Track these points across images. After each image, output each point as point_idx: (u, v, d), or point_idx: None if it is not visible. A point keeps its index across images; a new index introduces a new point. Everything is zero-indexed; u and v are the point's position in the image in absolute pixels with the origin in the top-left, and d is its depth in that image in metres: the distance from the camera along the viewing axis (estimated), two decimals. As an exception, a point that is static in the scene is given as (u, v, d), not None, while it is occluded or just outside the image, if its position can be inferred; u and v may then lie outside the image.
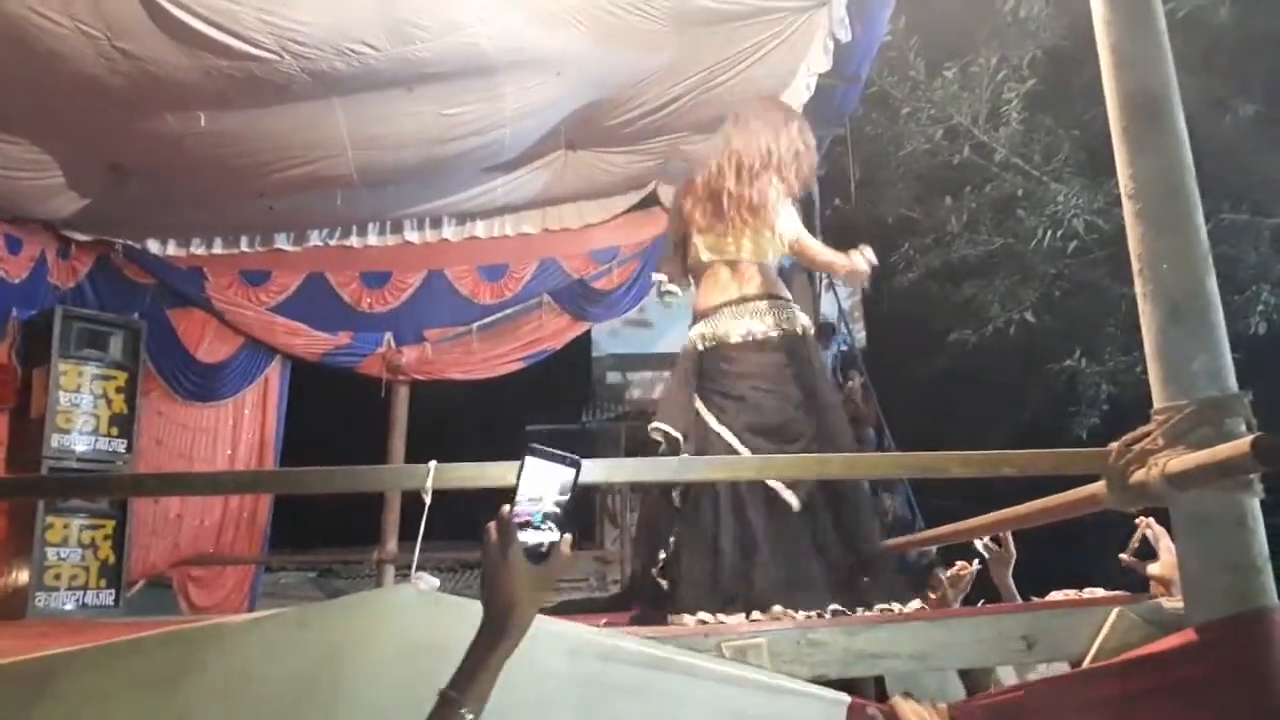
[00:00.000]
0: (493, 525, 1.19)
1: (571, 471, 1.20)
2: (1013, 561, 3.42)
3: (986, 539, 3.45)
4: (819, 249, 3.16)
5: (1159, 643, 1.89)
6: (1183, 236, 1.81)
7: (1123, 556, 3.23)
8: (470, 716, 1.13)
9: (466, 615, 1.78)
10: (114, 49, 3.93)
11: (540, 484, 1.19)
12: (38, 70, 4.06)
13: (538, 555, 1.19)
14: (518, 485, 1.19)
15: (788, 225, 3.10)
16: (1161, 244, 1.82)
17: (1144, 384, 1.86)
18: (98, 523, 5.56)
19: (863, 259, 2.97)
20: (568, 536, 1.21)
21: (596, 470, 2.12)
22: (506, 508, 1.19)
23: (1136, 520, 2.61)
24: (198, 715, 1.71)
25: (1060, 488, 2.20)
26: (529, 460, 1.19)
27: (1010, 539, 3.42)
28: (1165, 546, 2.85)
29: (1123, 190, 1.88)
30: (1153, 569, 2.91)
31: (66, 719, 1.72)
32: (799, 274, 12.15)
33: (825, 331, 11.07)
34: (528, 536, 1.19)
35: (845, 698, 1.69)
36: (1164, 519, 1.85)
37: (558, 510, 1.20)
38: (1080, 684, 1.77)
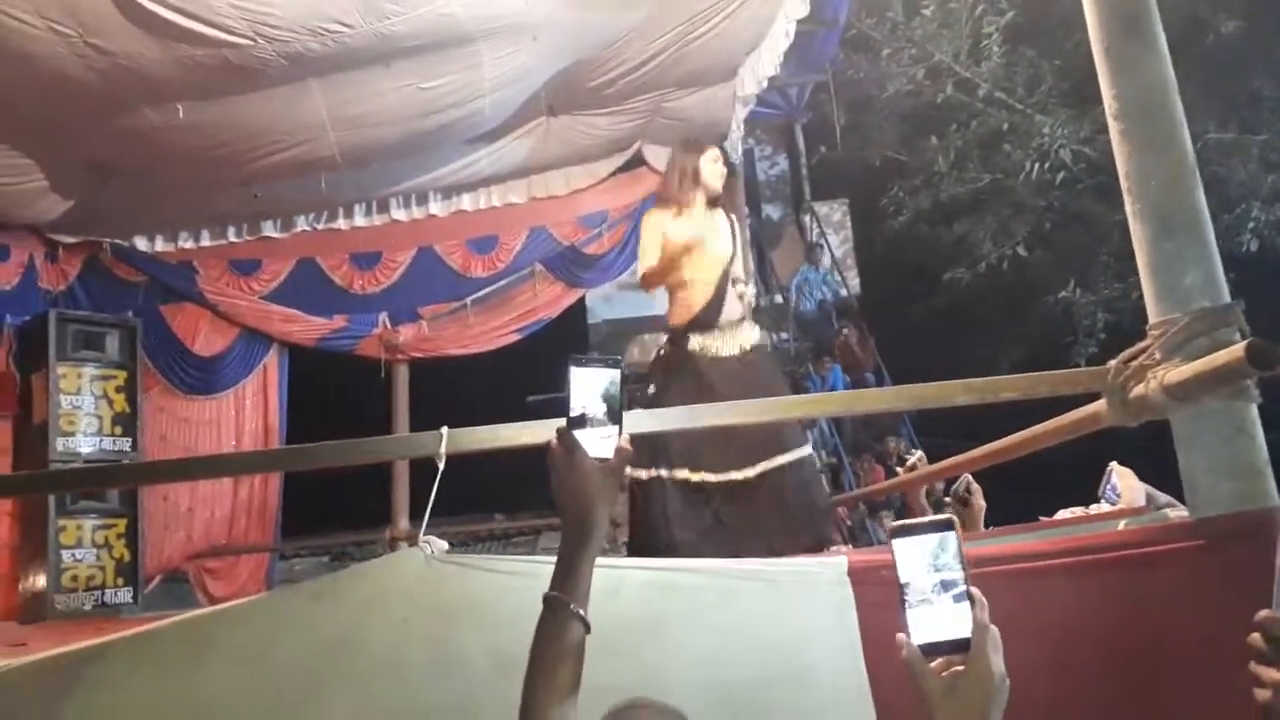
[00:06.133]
0: (554, 437, 1.23)
1: (615, 372, 1.24)
2: (983, 512, 3.49)
3: (960, 491, 3.51)
4: None
5: (1159, 525, 1.94)
6: (1168, 152, 1.82)
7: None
8: (579, 610, 1.19)
9: (478, 574, 1.82)
10: (87, 45, 3.90)
11: (588, 390, 1.23)
12: (10, 72, 4.03)
13: (600, 457, 1.23)
14: (569, 396, 1.23)
15: None
16: (1148, 161, 1.82)
17: (1139, 309, 1.88)
18: (109, 522, 5.61)
19: None
20: (626, 432, 1.24)
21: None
22: (563, 420, 1.22)
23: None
24: (218, 693, 1.74)
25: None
26: (573, 370, 1.23)
27: (979, 493, 3.50)
28: (1127, 486, 2.93)
29: (1107, 110, 1.88)
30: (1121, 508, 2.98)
31: (94, 708, 1.76)
32: (789, 223, 12.20)
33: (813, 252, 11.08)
34: (586, 438, 1.22)
35: (842, 561, 1.73)
36: (1163, 434, 1.87)
37: (609, 409, 1.23)
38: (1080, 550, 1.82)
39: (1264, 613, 1.05)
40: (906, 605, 1.07)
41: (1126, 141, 1.85)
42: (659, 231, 3.68)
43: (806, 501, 3.47)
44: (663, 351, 3.75)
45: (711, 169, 3.72)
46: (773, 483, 3.41)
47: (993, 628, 1.07)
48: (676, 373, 3.59)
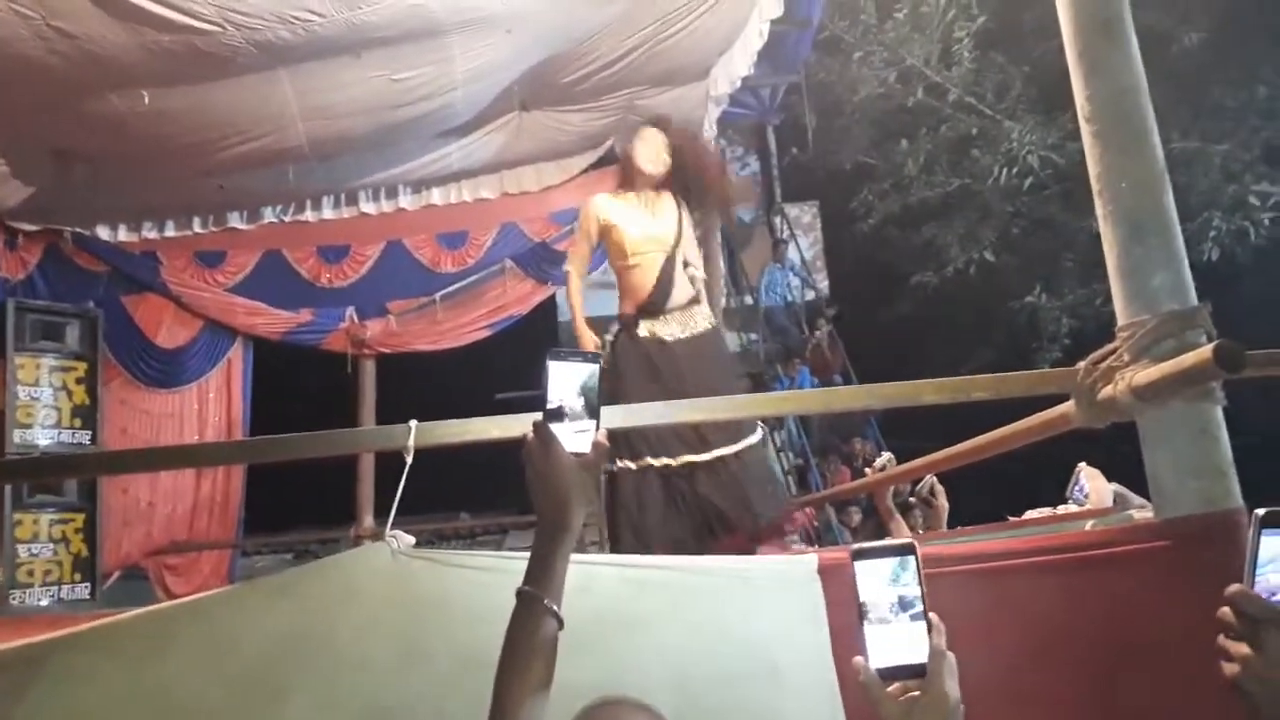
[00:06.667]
0: (531, 431, 1.22)
1: (594, 367, 1.24)
2: (946, 513, 3.55)
3: (924, 491, 3.57)
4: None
5: (1125, 525, 1.97)
6: (1140, 155, 1.84)
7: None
8: (553, 605, 1.18)
9: (447, 569, 1.80)
10: (50, 28, 3.81)
11: (566, 384, 1.22)
12: (-29, 55, 3.94)
13: (577, 452, 1.22)
14: (546, 390, 1.22)
15: None
16: (1119, 164, 1.84)
17: (1103, 316, 1.91)
18: (67, 516, 5.50)
19: None
20: (603, 428, 1.23)
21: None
22: (540, 415, 1.21)
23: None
24: (183, 685, 1.71)
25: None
26: (551, 365, 1.22)
27: (943, 494, 3.55)
28: (1095, 487, 2.97)
29: (1080, 112, 1.90)
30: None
31: (57, 700, 1.72)
32: (759, 224, 12.25)
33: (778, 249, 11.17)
34: (563, 432, 1.21)
35: (812, 559, 1.73)
36: (1130, 435, 1.89)
37: (587, 404, 1.23)
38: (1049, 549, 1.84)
39: (1234, 587, 1.06)
40: (865, 626, 1.08)
41: (1098, 144, 1.87)
42: (593, 220, 3.74)
43: (758, 486, 3.47)
44: (613, 339, 3.71)
45: (643, 151, 3.67)
46: (728, 467, 3.41)
47: (949, 654, 1.07)
48: (628, 359, 3.56)
